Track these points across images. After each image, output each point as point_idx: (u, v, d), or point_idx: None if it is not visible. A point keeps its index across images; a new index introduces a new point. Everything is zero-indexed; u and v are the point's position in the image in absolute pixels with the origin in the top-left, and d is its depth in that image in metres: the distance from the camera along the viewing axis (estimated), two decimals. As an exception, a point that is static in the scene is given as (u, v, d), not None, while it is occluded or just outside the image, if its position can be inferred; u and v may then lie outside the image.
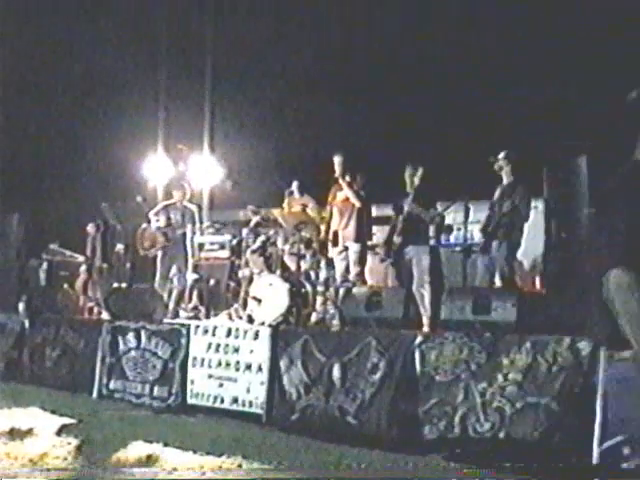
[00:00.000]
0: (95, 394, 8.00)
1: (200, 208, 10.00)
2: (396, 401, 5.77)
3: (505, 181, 7.56)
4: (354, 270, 8.24)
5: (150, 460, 5.44)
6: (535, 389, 5.10)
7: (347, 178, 8.37)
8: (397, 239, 7.62)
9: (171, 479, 5.16)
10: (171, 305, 9.13)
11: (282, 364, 6.54)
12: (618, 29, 10.70)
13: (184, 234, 9.50)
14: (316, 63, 13.17)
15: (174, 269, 9.48)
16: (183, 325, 7.59)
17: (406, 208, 7.57)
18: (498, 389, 5.25)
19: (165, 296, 9.27)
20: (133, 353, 7.80)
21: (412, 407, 5.68)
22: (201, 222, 9.77)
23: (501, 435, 5.17)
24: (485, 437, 5.24)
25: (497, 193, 7.65)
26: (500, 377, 5.27)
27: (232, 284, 9.06)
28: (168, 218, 9.68)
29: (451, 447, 5.40)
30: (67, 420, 6.79)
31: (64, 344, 8.60)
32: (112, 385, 7.89)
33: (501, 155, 7.53)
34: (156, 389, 7.47)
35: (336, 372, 6.15)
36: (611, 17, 10.72)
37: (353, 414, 5.99)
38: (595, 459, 4.68)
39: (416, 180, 7.55)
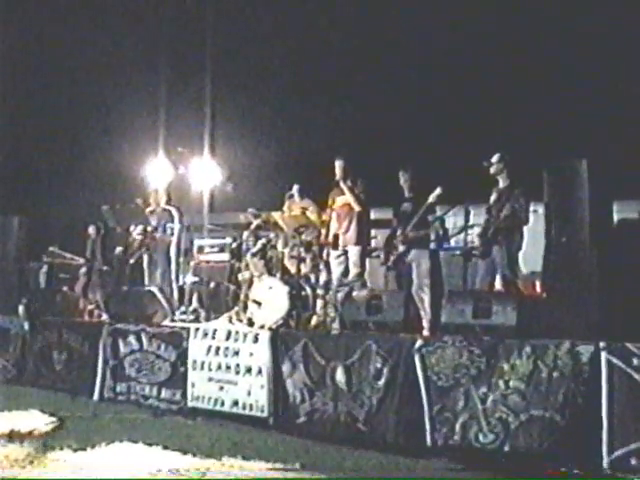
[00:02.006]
0: (96, 396, 7.99)
1: (180, 210, 9.83)
2: (397, 406, 5.76)
3: (502, 184, 7.53)
4: (354, 273, 8.23)
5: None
6: (535, 394, 5.08)
7: (348, 182, 8.35)
8: (401, 248, 7.61)
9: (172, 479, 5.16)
10: (166, 307, 9.09)
11: (284, 367, 6.53)
12: (618, 31, 10.71)
13: (162, 238, 9.43)
14: (317, 66, 13.19)
15: (159, 272, 9.41)
16: (183, 328, 7.59)
17: (411, 226, 7.55)
18: (499, 395, 5.23)
19: (162, 299, 9.24)
20: (136, 355, 7.78)
21: (414, 412, 5.67)
22: (181, 224, 9.62)
23: (504, 443, 5.14)
24: (488, 446, 5.21)
25: (493, 196, 7.62)
26: (500, 382, 5.25)
27: (232, 287, 9.06)
28: (147, 224, 9.62)
29: (454, 453, 5.39)
30: (67, 423, 6.79)
31: (64, 347, 8.59)
32: (118, 388, 7.88)
33: (495, 158, 7.49)
34: (163, 392, 7.47)
35: (338, 376, 6.14)
36: (611, 19, 10.73)
37: (357, 418, 5.98)
38: (605, 468, 4.66)
39: (431, 198, 7.45)
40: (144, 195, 10.67)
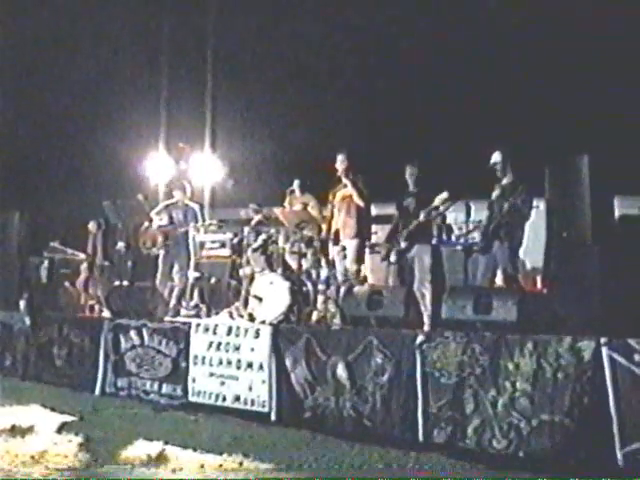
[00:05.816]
0: (98, 392, 8.00)
1: (202, 207, 9.95)
2: (403, 401, 5.76)
3: (505, 180, 7.52)
4: (353, 268, 8.22)
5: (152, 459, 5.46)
6: (543, 397, 5.07)
7: (351, 176, 8.31)
8: (403, 244, 7.58)
9: (173, 479, 5.16)
10: (172, 303, 9.14)
11: (287, 362, 6.53)
12: (618, 28, 10.70)
13: (186, 232, 9.49)
14: (318, 61, 13.18)
15: (176, 267, 9.47)
16: (184, 323, 7.60)
17: (418, 220, 7.50)
18: (508, 399, 5.20)
19: (166, 294, 9.26)
20: (137, 351, 7.79)
21: (414, 407, 5.68)
22: (203, 220, 9.74)
23: (519, 449, 5.13)
24: (502, 452, 5.19)
25: (496, 192, 7.61)
26: (507, 384, 5.22)
27: (233, 282, 9.05)
28: (170, 217, 9.66)
29: (457, 447, 5.39)
30: (68, 418, 6.80)
31: (65, 342, 8.60)
32: (119, 383, 7.89)
33: (498, 156, 7.49)
34: (164, 387, 7.48)
35: (339, 371, 6.15)
36: (612, 16, 10.72)
37: (362, 413, 5.98)
38: (620, 463, 4.66)
39: (437, 201, 7.35)
40: (145, 191, 10.70)
